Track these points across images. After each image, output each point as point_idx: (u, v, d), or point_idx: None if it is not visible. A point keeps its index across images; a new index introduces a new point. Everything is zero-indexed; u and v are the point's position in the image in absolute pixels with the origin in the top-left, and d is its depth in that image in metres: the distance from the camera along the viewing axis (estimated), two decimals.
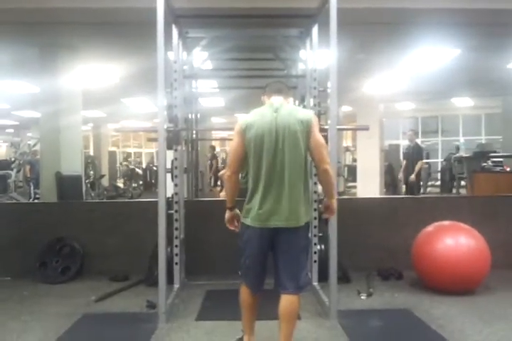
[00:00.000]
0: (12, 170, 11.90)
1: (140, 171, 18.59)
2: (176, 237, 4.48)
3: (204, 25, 5.20)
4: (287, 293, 2.89)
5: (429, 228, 4.68)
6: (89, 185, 12.86)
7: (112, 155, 21.51)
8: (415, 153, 9.42)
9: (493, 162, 11.03)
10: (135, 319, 3.92)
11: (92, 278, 5.06)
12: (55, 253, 5.14)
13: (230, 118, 16.88)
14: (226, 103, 13.10)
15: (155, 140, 4.06)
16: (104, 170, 18.70)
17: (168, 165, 4.38)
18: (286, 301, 2.89)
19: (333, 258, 3.77)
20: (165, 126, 3.92)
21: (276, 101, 2.99)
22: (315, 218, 4.59)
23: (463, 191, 11.90)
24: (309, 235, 2.98)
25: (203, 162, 11.70)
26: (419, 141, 18.04)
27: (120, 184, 17.81)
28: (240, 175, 3.10)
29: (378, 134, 12.09)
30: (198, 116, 6.04)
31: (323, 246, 4.62)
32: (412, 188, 9.24)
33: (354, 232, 5.02)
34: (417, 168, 9.12)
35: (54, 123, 7.22)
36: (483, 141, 16.96)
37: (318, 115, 4.39)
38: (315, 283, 4.55)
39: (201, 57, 5.70)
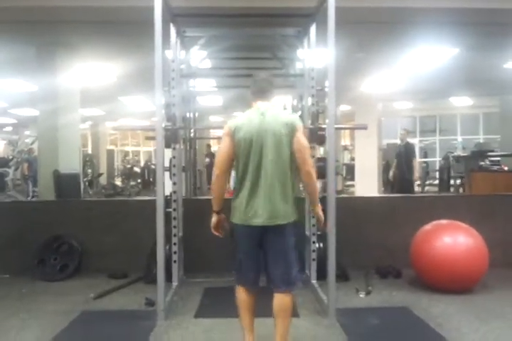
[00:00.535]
0: (10, 168, 11.89)
1: (138, 169, 18.57)
2: (175, 235, 4.50)
3: (202, 24, 5.20)
4: (279, 291, 2.97)
5: (428, 226, 4.69)
6: (87, 184, 12.89)
7: (110, 153, 21.50)
8: (407, 152, 9.33)
9: (490, 161, 11.04)
10: (134, 316, 3.93)
11: (90, 275, 5.07)
12: (53, 251, 5.15)
13: (228, 117, 16.87)
14: (224, 102, 13.10)
15: (153, 138, 4.06)
16: (102, 168, 18.69)
17: (167, 164, 4.39)
18: (279, 299, 2.97)
19: (331, 256, 3.78)
20: (163, 125, 3.93)
21: (262, 105, 3.07)
22: (313, 216, 4.59)
23: (461, 190, 11.92)
24: (301, 232, 3.01)
25: (200, 160, 11.76)
26: (416, 140, 18.32)
27: (118, 182, 17.79)
28: None
29: (376, 133, 12.07)
30: (196, 114, 6.05)
31: (321, 245, 4.63)
32: (407, 187, 9.23)
33: (353, 231, 5.04)
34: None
35: (52, 121, 7.20)
36: (482, 140, 16.98)
37: (317, 114, 4.40)
38: (313, 281, 4.56)
39: (199, 56, 5.70)
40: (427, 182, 14.93)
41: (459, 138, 18.10)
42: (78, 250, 5.18)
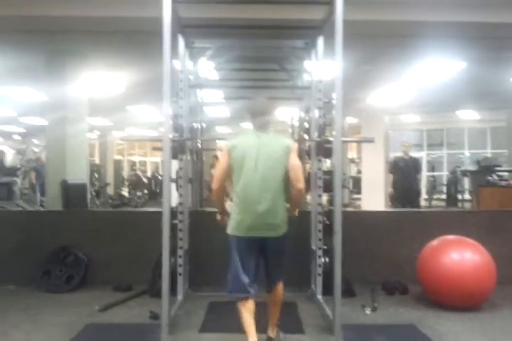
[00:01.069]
0: (18, 177, 11.91)
1: (146, 180, 18.59)
2: (180, 247, 4.46)
3: (210, 35, 5.23)
4: (276, 285, 3.42)
5: (435, 242, 4.65)
6: (94, 193, 12.88)
7: (117, 163, 21.56)
8: (412, 166, 9.01)
9: (498, 176, 10.94)
10: (138, 330, 3.90)
11: (96, 287, 5.05)
12: (59, 262, 5.13)
13: (235, 128, 16.89)
14: (231, 113, 13.12)
15: (160, 149, 4.06)
16: (109, 178, 18.72)
17: (173, 175, 4.38)
18: (278, 290, 3.43)
19: (337, 271, 3.72)
20: (170, 136, 3.92)
21: (258, 132, 3.36)
22: (319, 231, 4.56)
23: (468, 205, 11.83)
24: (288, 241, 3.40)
25: (207, 172, 11.71)
26: (424, 153, 18.24)
27: (125, 192, 17.81)
28: None
29: (383, 146, 12.06)
30: (204, 125, 6.04)
31: (327, 259, 4.55)
32: (413, 199, 9.08)
33: (359, 245, 5.00)
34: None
35: (60, 130, 7.24)
36: (489, 155, 16.89)
37: (323, 126, 4.39)
38: (319, 296, 4.50)
39: (207, 67, 5.72)
40: (435, 197, 14.83)
41: (467, 153, 18.01)
42: (84, 261, 5.15)
